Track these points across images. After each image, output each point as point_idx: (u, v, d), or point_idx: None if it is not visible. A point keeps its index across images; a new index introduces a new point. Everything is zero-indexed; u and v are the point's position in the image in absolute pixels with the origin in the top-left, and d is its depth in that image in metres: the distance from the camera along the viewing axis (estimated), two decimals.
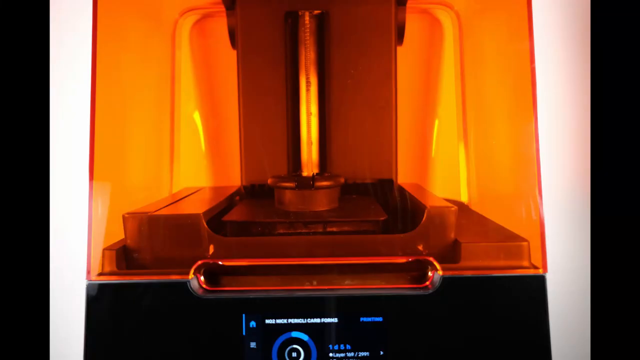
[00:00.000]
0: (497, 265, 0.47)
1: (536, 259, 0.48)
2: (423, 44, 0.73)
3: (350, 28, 0.62)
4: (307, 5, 0.61)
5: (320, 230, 0.52)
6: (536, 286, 0.46)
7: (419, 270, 0.48)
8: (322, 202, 0.55)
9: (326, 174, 0.61)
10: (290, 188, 0.55)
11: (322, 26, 0.62)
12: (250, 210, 0.59)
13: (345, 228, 0.53)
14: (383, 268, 0.48)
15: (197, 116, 0.74)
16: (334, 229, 0.53)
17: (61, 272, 0.72)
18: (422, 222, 0.49)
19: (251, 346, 0.46)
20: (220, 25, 0.68)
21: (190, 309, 0.46)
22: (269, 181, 0.57)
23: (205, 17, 0.72)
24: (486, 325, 0.45)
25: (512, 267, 0.47)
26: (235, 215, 0.56)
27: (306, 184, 0.55)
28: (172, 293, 0.46)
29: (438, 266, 0.46)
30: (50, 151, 0.71)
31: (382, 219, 0.52)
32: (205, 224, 0.49)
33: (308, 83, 0.60)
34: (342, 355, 0.46)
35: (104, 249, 0.49)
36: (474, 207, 0.66)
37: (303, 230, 0.52)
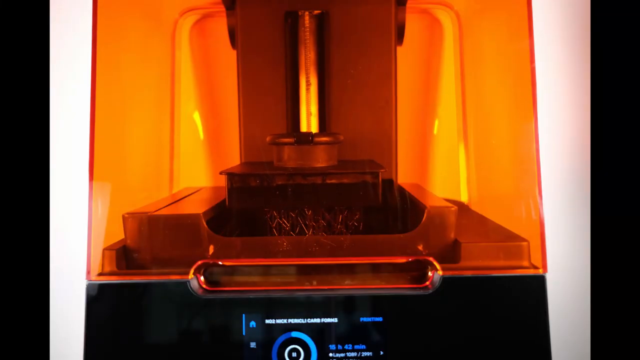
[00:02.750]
0: (497, 265, 0.47)
1: (536, 259, 0.48)
2: (423, 44, 0.72)
3: (350, 28, 0.62)
4: (307, 5, 0.61)
5: (320, 182, 0.52)
6: (536, 286, 0.46)
7: (419, 270, 0.48)
8: (321, 157, 0.55)
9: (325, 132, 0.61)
10: (289, 144, 0.54)
11: (322, 26, 0.62)
12: (249, 167, 0.60)
13: (345, 180, 0.52)
14: (383, 268, 0.48)
15: (197, 116, 0.74)
16: (334, 181, 0.52)
17: (61, 272, 0.72)
18: (422, 222, 0.49)
19: (251, 346, 0.46)
20: (220, 25, 0.68)
21: (190, 309, 0.46)
22: (268, 139, 0.56)
23: (205, 17, 0.72)
24: (486, 325, 0.45)
25: (512, 267, 0.47)
26: (234, 169, 0.55)
27: (305, 139, 0.54)
28: (172, 293, 0.46)
29: (438, 266, 0.46)
30: (50, 151, 0.71)
31: (381, 170, 0.52)
32: (205, 224, 0.49)
33: (308, 83, 0.60)
34: (342, 355, 0.46)
35: (104, 249, 0.49)
36: (474, 207, 0.66)
37: (302, 182, 0.52)
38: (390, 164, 0.63)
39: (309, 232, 0.54)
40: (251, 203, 0.53)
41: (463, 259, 0.47)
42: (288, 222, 0.54)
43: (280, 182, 0.52)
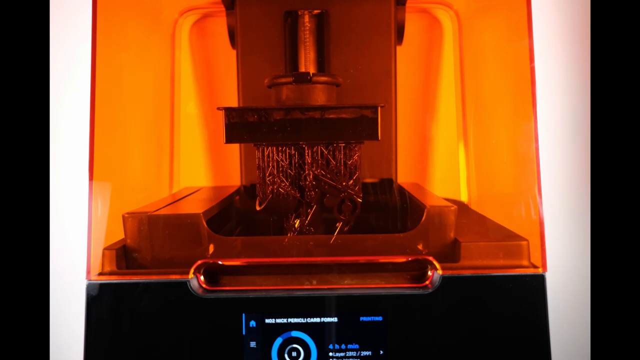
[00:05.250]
0: (497, 265, 0.47)
1: (536, 258, 0.48)
2: (423, 44, 0.73)
3: (350, 27, 0.62)
4: (306, 4, 0.61)
5: (318, 116, 0.51)
6: (536, 285, 0.46)
7: (418, 270, 0.48)
8: (320, 98, 0.54)
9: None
10: (288, 83, 0.54)
11: (321, 26, 0.62)
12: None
13: (343, 115, 0.51)
14: (383, 267, 0.48)
15: (197, 116, 0.74)
16: (332, 116, 0.51)
17: (61, 272, 0.72)
18: (422, 221, 0.49)
19: (251, 346, 0.46)
20: (220, 25, 0.68)
21: (190, 309, 0.46)
22: (266, 81, 0.55)
23: (205, 17, 0.72)
24: (486, 325, 0.45)
25: (511, 266, 0.47)
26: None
27: (304, 78, 0.54)
28: (172, 293, 0.46)
29: (438, 265, 0.47)
30: (50, 151, 0.71)
31: (381, 106, 0.51)
32: (205, 223, 0.49)
33: None
34: (342, 354, 0.46)
35: (104, 249, 0.49)
36: (473, 207, 0.66)
37: (300, 117, 0.51)
38: (390, 163, 0.63)
39: (306, 170, 0.53)
40: (248, 138, 0.52)
41: (463, 258, 0.47)
42: (286, 160, 0.53)
43: (278, 118, 0.51)
